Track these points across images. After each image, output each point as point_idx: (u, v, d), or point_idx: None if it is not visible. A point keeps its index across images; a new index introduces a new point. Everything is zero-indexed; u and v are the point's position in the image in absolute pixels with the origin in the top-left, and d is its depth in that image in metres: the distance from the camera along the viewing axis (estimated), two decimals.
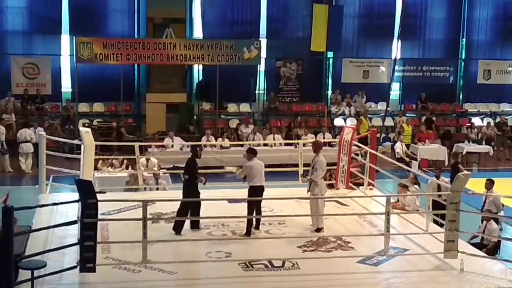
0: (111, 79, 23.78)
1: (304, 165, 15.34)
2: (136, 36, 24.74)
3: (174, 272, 9.53)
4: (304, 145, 16.53)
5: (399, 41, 22.51)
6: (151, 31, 24.29)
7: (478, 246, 11.78)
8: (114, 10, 25.02)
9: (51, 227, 9.99)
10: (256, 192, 11.38)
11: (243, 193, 11.56)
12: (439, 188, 12.77)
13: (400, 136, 22.47)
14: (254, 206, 11.41)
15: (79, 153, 13.36)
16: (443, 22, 27.43)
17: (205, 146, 19.82)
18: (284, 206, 12.36)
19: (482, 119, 26.93)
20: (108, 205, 11.50)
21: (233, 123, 24.55)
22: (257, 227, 11.45)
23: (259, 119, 25.34)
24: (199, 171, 11.79)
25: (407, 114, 26.21)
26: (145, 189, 14.62)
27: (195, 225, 11.59)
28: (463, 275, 9.78)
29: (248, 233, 11.15)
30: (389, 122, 25.47)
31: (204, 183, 11.76)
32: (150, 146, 20.12)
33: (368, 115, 24.87)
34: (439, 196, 12.00)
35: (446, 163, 21.18)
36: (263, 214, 12.01)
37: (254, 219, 11.36)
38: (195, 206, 11.39)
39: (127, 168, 17.01)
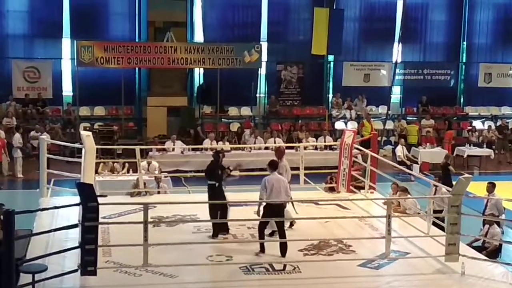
0: (112, 83, 23.79)
1: (305, 168, 15.38)
2: (137, 40, 24.76)
3: (175, 276, 9.52)
4: (305, 148, 16.53)
5: (400, 44, 22.56)
6: (152, 34, 24.35)
7: (479, 249, 11.76)
8: (115, 14, 25.05)
9: (52, 231, 9.97)
10: (267, 212, 10.46)
11: (244, 196, 11.54)
12: None
13: (400, 140, 22.47)
14: (263, 226, 10.53)
15: (80, 157, 13.35)
16: (444, 25, 27.45)
17: (206, 149, 19.83)
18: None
19: (483, 123, 26.92)
20: (109, 208, 11.49)
21: (234, 127, 24.56)
22: (283, 254, 10.33)
23: (260, 123, 25.35)
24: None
25: (408, 118, 26.27)
26: (146, 193, 14.59)
27: (223, 229, 11.30)
28: (464, 279, 9.76)
29: (262, 250, 10.45)
30: (390, 125, 25.49)
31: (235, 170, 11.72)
32: (151, 150, 20.14)
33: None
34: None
35: None
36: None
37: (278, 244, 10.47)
38: (222, 210, 11.22)
39: (128, 171, 17.02)
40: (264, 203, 10.49)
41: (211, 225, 11.25)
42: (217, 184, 11.37)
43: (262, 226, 10.53)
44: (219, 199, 11.19)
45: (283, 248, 10.33)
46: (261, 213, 10.44)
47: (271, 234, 10.92)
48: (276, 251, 10.45)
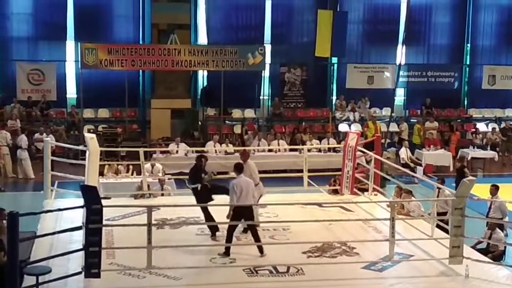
0: (116, 85, 23.83)
1: (309, 170, 15.38)
2: (141, 42, 24.79)
3: (178, 278, 9.53)
4: (309, 150, 16.53)
5: (404, 46, 22.53)
6: (156, 37, 24.34)
7: (484, 252, 11.74)
8: (119, 16, 25.09)
9: (56, 233, 9.98)
10: (236, 214, 10.51)
11: None
12: None
13: (404, 142, 22.45)
14: (233, 228, 10.58)
15: (84, 159, 13.38)
16: (448, 27, 27.43)
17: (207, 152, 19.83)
18: (289, 212, 12.35)
19: (487, 125, 26.89)
20: (113, 211, 11.51)
21: (238, 129, 24.58)
22: (261, 251, 10.51)
23: (264, 125, 25.36)
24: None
25: (411, 120, 26.23)
26: (149, 195, 14.61)
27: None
28: (468, 281, 9.75)
29: (227, 252, 10.46)
30: (393, 127, 25.45)
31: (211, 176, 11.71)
32: (154, 152, 20.15)
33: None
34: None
35: (451, 169, 21.15)
36: (267, 219, 12.04)
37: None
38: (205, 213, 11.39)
39: (132, 173, 17.03)
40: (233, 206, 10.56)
41: (209, 227, 11.39)
42: (199, 187, 11.49)
43: (231, 229, 10.55)
44: (205, 200, 11.31)
45: (259, 247, 10.47)
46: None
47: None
48: (279, 254, 10.46)
